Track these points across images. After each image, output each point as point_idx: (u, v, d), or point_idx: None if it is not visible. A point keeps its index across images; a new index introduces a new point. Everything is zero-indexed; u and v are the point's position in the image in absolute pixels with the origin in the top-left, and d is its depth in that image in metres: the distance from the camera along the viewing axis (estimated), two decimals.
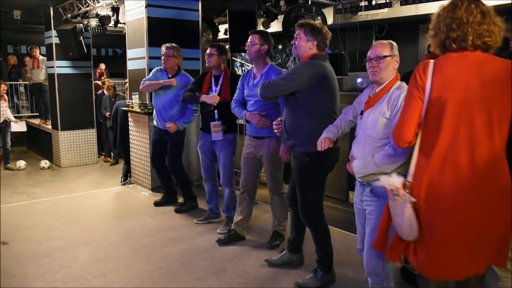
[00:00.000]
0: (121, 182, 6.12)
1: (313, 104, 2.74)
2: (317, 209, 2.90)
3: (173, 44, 4.41)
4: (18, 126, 8.06)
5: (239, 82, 3.55)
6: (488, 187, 1.69)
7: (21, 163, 7.71)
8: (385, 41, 2.29)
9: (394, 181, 1.84)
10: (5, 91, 7.87)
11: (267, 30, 4.39)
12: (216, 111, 3.83)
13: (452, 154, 1.70)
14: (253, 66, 3.51)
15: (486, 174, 1.69)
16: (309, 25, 2.77)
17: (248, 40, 3.37)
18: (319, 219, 2.91)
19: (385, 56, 2.23)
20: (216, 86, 3.90)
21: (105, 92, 8.32)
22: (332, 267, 2.97)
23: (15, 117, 9.90)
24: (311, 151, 2.69)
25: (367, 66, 2.29)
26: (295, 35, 2.81)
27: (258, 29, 5.39)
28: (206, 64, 3.96)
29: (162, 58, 4.40)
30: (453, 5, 1.75)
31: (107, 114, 8.02)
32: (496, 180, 1.70)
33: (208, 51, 3.93)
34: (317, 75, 2.71)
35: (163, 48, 4.40)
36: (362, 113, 2.35)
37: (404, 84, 2.26)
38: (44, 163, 7.84)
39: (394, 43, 2.30)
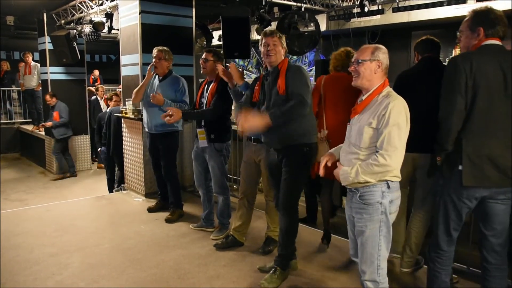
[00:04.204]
0: (114, 188, 6.09)
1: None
2: (298, 199, 3.07)
3: (165, 48, 4.35)
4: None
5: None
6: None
7: None
8: (369, 45, 2.23)
9: None
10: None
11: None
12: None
13: None
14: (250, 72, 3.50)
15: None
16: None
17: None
18: (297, 209, 3.05)
19: (363, 60, 2.18)
20: (207, 92, 3.82)
21: (99, 98, 8.31)
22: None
23: (7, 123, 9.88)
24: (311, 142, 3.00)
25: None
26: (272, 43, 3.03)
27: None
28: (201, 71, 3.86)
29: (154, 60, 4.31)
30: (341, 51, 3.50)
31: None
32: None
33: (203, 56, 3.83)
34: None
35: (155, 51, 4.32)
36: (349, 120, 2.34)
37: (392, 92, 2.20)
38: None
39: (381, 48, 2.22)
